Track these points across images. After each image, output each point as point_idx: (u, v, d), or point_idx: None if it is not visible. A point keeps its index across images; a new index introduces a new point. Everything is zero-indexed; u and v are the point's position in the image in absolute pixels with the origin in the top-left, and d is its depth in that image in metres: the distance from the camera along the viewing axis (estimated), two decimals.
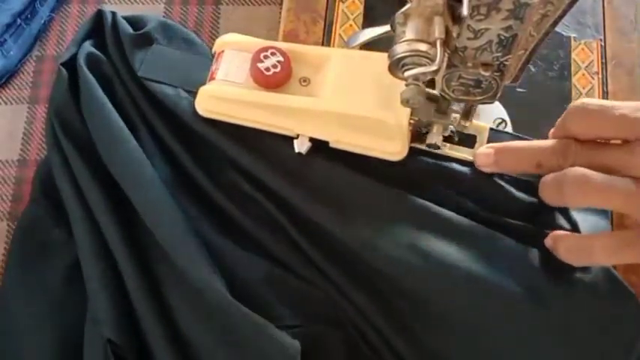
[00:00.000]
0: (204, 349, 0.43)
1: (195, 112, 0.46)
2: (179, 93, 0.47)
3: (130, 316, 0.44)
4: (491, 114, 0.48)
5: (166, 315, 0.44)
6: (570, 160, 0.39)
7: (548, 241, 0.41)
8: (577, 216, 0.43)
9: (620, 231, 0.41)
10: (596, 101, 0.40)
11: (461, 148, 0.45)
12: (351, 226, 0.43)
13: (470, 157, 0.44)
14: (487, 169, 0.43)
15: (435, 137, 0.44)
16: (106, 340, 0.43)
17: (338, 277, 0.44)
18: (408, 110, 0.42)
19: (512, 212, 0.43)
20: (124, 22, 0.50)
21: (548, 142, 0.41)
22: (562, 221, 0.43)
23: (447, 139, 0.45)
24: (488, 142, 0.45)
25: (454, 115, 0.43)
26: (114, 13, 0.50)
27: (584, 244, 0.40)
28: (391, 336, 0.43)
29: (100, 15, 0.50)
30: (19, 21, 0.58)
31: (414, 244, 0.42)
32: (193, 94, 0.46)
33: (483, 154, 0.43)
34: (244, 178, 0.46)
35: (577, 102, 0.40)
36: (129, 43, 0.49)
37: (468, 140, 0.45)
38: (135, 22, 0.51)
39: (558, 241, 0.41)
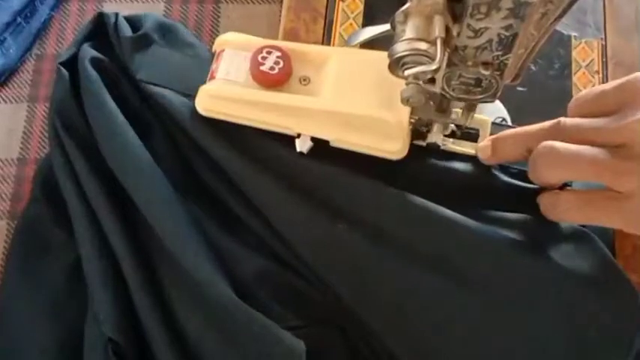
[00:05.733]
0: (206, 348, 0.43)
1: (194, 116, 0.46)
2: (179, 97, 0.47)
3: (132, 315, 0.44)
4: (492, 113, 0.48)
5: (168, 314, 0.44)
6: (559, 140, 0.39)
7: (538, 199, 0.43)
8: None
9: (586, 190, 0.41)
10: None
11: (464, 142, 0.45)
12: (349, 227, 0.43)
13: (472, 151, 0.44)
14: (489, 162, 0.44)
15: (435, 136, 0.44)
16: (107, 339, 0.43)
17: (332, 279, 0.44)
18: (408, 109, 0.42)
19: (514, 203, 0.43)
20: (125, 23, 0.50)
21: (538, 125, 0.41)
22: None
23: (451, 134, 0.45)
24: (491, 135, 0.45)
25: (456, 110, 0.43)
26: (117, 15, 0.50)
27: (551, 198, 0.41)
28: (389, 342, 0.43)
29: (101, 17, 0.50)
30: (18, 19, 0.58)
31: (413, 245, 0.42)
32: (192, 97, 0.46)
33: (484, 147, 0.43)
34: (241, 179, 0.46)
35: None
36: (127, 45, 0.48)
37: (472, 135, 0.45)
38: (133, 22, 0.50)
39: (538, 199, 0.42)
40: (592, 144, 0.38)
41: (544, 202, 0.42)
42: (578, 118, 0.40)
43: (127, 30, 0.49)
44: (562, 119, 0.40)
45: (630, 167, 0.36)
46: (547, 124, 0.40)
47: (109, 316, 0.43)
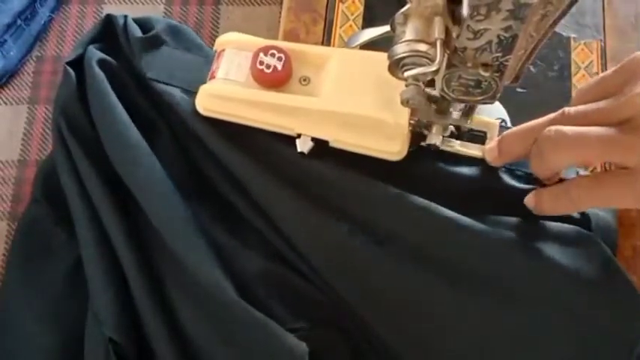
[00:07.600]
0: (207, 349, 0.43)
1: (200, 115, 0.46)
2: (187, 96, 0.47)
3: (132, 315, 0.44)
4: (492, 114, 0.48)
5: (169, 314, 0.44)
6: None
7: (529, 200, 0.42)
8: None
9: (596, 172, 0.41)
10: None
11: (471, 145, 0.45)
12: (350, 227, 0.43)
13: (480, 154, 0.44)
14: (497, 163, 0.43)
15: (434, 137, 0.44)
16: (107, 339, 0.43)
17: (330, 279, 0.44)
18: (407, 110, 0.42)
19: (518, 206, 0.43)
20: (134, 24, 0.50)
21: (542, 118, 0.41)
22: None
23: (452, 136, 0.45)
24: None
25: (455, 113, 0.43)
26: (126, 17, 0.50)
27: (560, 187, 0.40)
28: (392, 343, 0.43)
29: (109, 18, 0.50)
30: (19, 21, 0.58)
31: (414, 245, 0.42)
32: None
33: (490, 148, 0.43)
34: (243, 179, 0.46)
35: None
36: (138, 45, 0.49)
37: (479, 137, 0.45)
38: (143, 24, 0.50)
39: (541, 194, 0.41)
40: (598, 125, 0.37)
41: (551, 194, 0.40)
42: (581, 105, 0.39)
43: (136, 31, 0.49)
44: (566, 109, 0.39)
45: (638, 140, 0.35)
46: (551, 115, 0.40)
47: (110, 316, 0.43)
